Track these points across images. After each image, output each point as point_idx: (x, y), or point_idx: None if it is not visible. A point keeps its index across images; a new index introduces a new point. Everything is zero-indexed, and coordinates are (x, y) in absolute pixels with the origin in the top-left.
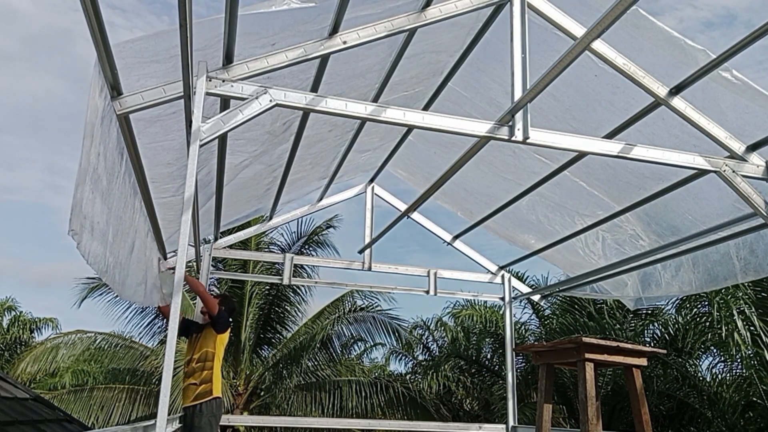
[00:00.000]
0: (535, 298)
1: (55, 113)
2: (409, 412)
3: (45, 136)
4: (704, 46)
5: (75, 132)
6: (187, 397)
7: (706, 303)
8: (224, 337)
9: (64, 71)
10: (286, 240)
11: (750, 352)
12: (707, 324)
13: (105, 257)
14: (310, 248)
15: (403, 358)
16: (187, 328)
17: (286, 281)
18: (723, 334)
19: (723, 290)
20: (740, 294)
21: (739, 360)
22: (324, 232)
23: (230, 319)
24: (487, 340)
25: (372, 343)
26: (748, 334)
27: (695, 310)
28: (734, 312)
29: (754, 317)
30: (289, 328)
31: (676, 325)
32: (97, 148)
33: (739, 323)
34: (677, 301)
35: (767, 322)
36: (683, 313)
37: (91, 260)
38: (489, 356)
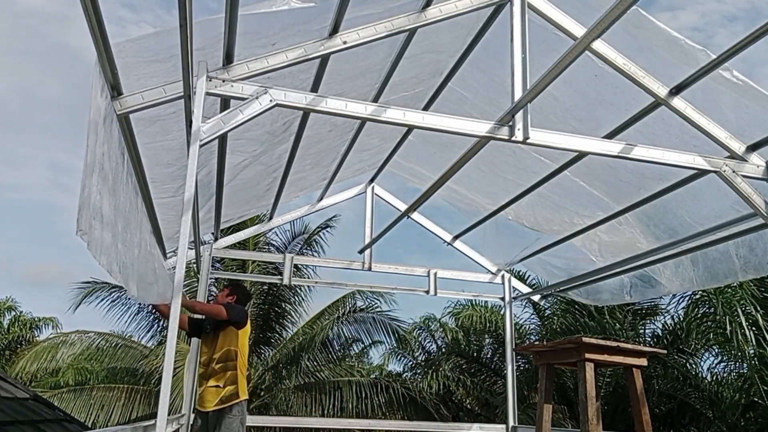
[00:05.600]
0: (535, 298)
1: (40, 105)
2: (409, 412)
3: (37, 131)
4: (724, 40)
5: (66, 125)
6: (208, 401)
7: (707, 303)
8: (246, 330)
9: (46, 60)
10: (282, 239)
11: (752, 351)
12: (708, 324)
13: (116, 256)
14: (310, 248)
15: (403, 358)
16: (198, 327)
17: (286, 281)
18: (727, 334)
19: (727, 290)
20: (740, 295)
21: (742, 360)
22: (323, 232)
23: (246, 309)
24: (487, 339)
25: (371, 341)
26: (752, 334)
27: (696, 309)
28: (739, 311)
29: (759, 316)
30: (288, 328)
31: (677, 325)
32: (101, 147)
33: (744, 322)
34: (678, 301)
35: None
36: (684, 312)
37: (102, 260)
38: (489, 356)
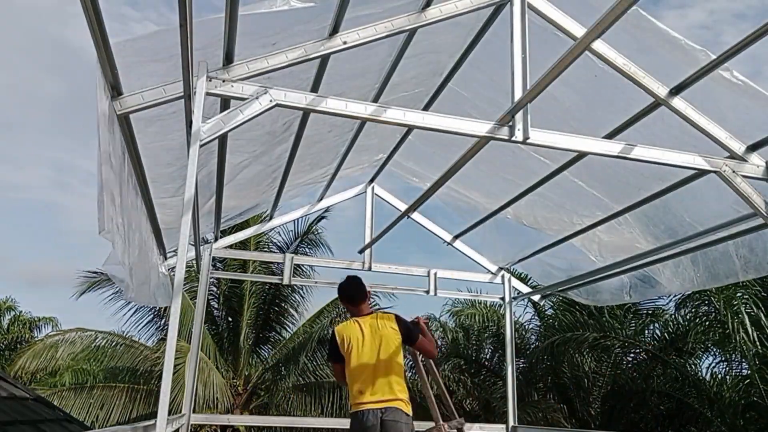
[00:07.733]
0: (536, 298)
1: (40, 103)
2: None
3: (37, 130)
4: (732, 38)
5: (67, 123)
6: None
7: (707, 302)
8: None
9: (46, 57)
10: (284, 239)
11: (753, 351)
12: (708, 324)
13: (125, 257)
14: (307, 246)
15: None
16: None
17: (286, 281)
18: (727, 332)
19: (727, 289)
20: (740, 294)
21: (744, 360)
22: (319, 230)
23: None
24: (487, 340)
25: None
26: (754, 332)
27: (696, 309)
28: (742, 310)
29: (762, 315)
30: (288, 328)
31: (677, 325)
32: (107, 148)
33: (747, 320)
34: (678, 301)
35: None
36: (683, 312)
37: (110, 260)
38: (489, 356)
